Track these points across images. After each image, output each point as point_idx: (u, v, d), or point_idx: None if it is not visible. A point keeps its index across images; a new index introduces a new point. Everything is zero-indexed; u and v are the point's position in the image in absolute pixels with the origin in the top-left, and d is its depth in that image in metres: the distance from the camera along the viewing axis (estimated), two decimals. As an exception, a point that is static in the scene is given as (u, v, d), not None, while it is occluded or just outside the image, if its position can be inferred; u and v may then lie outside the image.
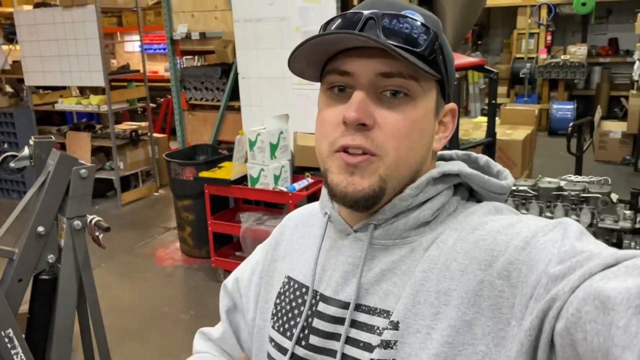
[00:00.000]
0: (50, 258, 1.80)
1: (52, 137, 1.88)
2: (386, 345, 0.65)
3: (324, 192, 0.78)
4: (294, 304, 0.77)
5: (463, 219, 0.69)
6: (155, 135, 6.28)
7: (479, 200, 0.74)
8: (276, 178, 3.55)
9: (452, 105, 0.75)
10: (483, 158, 0.78)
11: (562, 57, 8.28)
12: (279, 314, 0.79)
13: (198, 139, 4.69)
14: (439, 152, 0.78)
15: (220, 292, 0.96)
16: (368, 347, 0.67)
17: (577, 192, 2.63)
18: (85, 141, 5.65)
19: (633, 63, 8.43)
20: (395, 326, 0.65)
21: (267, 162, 3.51)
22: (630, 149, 6.50)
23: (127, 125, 6.27)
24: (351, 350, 0.68)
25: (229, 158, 4.16)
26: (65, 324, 1.83)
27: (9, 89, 6.60)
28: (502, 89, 9.00)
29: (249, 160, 3.61)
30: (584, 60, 8.28)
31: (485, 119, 4.08)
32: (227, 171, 3.78)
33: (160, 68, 8.92)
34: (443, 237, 0.68)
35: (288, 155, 3.66)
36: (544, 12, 8.49)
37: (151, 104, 7.62)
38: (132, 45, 9.67)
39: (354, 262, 0.71)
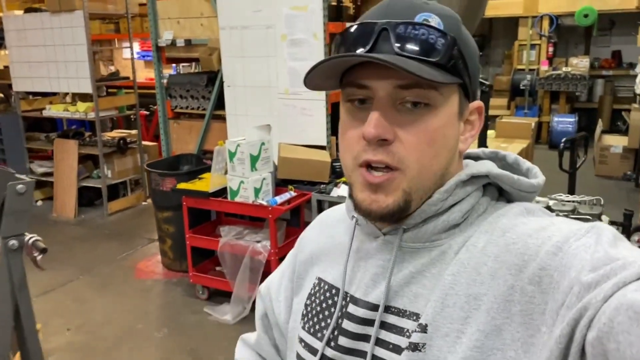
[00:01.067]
0: (-16, 279, 1.67)
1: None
2: (414, 347, 0.64)
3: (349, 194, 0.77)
4: (324, 305, 0.78)
5: (493, 220, 0.68)
6: (146, 143, 6.17)
7: (508, 200, 0.73)
8: (257, 191, 3.42)
9: (477, 103, 0.73)
10: (511, 156, 0.76)
11: (564, 69, 8.13)
12: (310, 315, 0.79)
13: (183, 148, 4.57)
14: (466, 151, 0.77)
15: (256, 299, 0.97)
16: (397, 349, 0.67)
17: (566, 213, 2.48)
18: (73, 149, 5.54)
19: (636, 76, 8.28)
20: (423, 329, 0.64)
21: (247, 174, 3.38)
22: (631, 164, 6.33)
23: (117, 133, 6.15)
24: (380, 352, 0.68)
25: (210, 169, 4.03)
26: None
27: (-1, 94, 6.51)
28: (502, 101, 8.85)
29: (228, 172, 3.47)
30: (586, 72, 8.13)
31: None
32: (207, 183, 3.64)
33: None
34: (473, 240, 0.67)
35: (270, 167, 3.52)
36: (545, 23, 8.35)
37: (145, 111, 7.54)
38: (128, 52, 9.60)
39: (384, 264, 0.72)
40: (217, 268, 3.88)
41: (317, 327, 0.77)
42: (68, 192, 5.55)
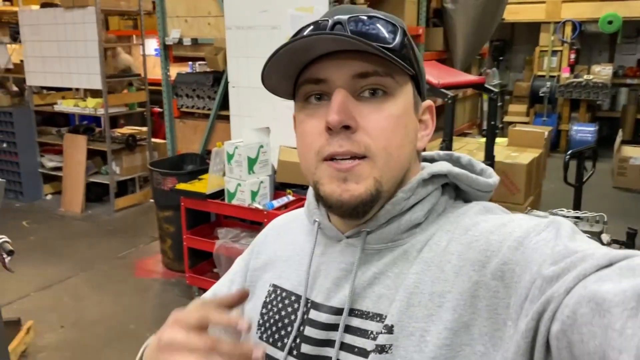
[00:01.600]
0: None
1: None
2: (381, 349, 0.64)
3: (309, 199, 0.78)
4: (282, 312, 0.75)
5: (455, 219, 0.69)
6: (156, 140, 6.17)
7: (465, 200, 0.74)
8: (253, 194, 3.36)
9: (428, 102, 0.75)
10: (465, 157, 0.77)
11: (585, 76, 7.92)
12: (267, 324, 0.76)
13: (188, 148, 4.54)
14: (422, 154, 0.78)
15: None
16: (363, 352, 0.66)
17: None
18: (82, 144, 5.56)
19: (662, 86, 8.03)
20: (389, 330, 0.64)
21: (244, 177, 3.33)
22: (650, 176, 6.13)
23: (127, 130, 6.17)
24: (346, 356, 0.67)
25: (213, 170, 4.00)
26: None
27: (14, 87, 6.58)
28: (521, 107, 8.67)
29: (226, 174, 3.43)
30: (608, 81, 7.90)
31: (497, 139, 3.83)
32: (206, 184, 3.61)
33: (172, 72, 8.83)
34: (436, 239, 0.68)
35: (268, 171, 3.46)
36: (568, 29, 8.14)
37: (159, 109, 7.55)
38: (148, 47, 9.64)
39: (347, 267, 0.71)
40: (215, 270, 3.84)
41: (276, 336, 0.75)
42: (76, 187, 5.58)
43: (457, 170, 0.72)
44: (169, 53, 4.44)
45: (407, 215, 0.69)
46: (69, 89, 6.14)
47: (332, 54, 0.65)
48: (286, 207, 3.38)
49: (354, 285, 0.68)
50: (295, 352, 0.72)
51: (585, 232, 2.28)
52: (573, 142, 7.52)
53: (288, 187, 3.56)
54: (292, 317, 0.74)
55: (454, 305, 0.61)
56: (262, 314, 0.77)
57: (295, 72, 0.69)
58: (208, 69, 6.31)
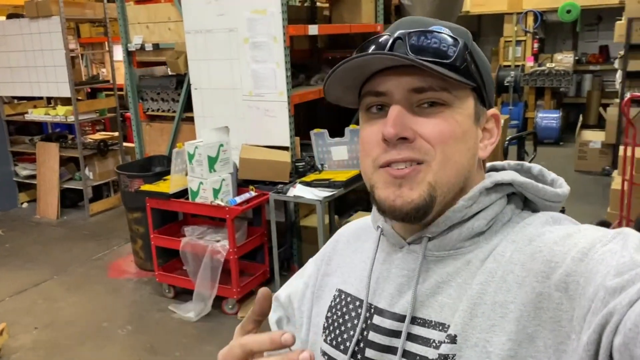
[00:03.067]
0: None
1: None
2: (444, 359, 0.64)
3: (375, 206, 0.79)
4: (346, 317, 0.77)
5: (520, 230, 0.68)
6: (127, 144, 6.27)
7: (534, 210, 0.73)
8: (215, 192, 3.50)
9: (493, 111, 0.74)
10: (536, 167, 0.77)
11: (548, 65, 8.14)
12: (331, 327, 0.78)
13: (156, 150, 4.67)
14: (491, 163, 0.78)
15: (273, 304, 0.88)
16: None
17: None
18: (54, 151, 5.65)
19: (623, 71, 8.27)
20: (452, 340, 0.64)
21: (205, 176, 3.46)
22: (610, 158, 6.35)
23: (99, 135, 6.26)
24: None
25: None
26: None
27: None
28: (489, 97, 8.87)
29: (188, 173, 3.56)
30: (570, 68, 8.13)
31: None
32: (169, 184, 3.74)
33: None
34: (500, 250, 0.67)
35: (230, 168, 3.61)
36: (530, 19, 8.36)
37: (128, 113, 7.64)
38: (117, 54, 9.70)
39: (409, 274, 0.71)
40: (184, 267, 3.98)
41: (339, 339, 0.76)
42: (50, 194, 5.67)
43: (522, 179, 0.71)
44: (132, 59, 4.56)
45: (468, 223, 0.69)
46: (41, 98, 6.22)
47: (391, 67, 0.67)
48: (248, 202, 3.53)
49: (417, 293, 0.69)
50: (359, 356, 0.72)
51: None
52: (539, 129, 7.74)
53: (251, 183, 3.70)
54: (355, 321, 0.75)
55: (517, 316, 0.61)
56: (327, 317, 0.79)
57: (358, 83, 0.71)
58: (171, 73, 6.44)
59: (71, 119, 5.45)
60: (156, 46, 4.35)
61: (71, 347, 3.32)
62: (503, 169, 0.78)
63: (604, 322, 0.50)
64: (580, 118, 6.89)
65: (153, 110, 4.60)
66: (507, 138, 3.42)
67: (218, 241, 3.54)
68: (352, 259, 0.82)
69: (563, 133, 8.09)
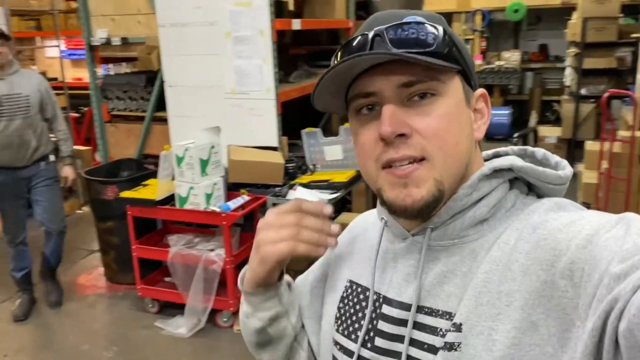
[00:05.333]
0: None
1: None
2: (450, 347, 0.64)
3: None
4: (357, 307, 0.78)
5: (524, 217, 0.68)
6: (78, 147, 5.80)
7: (538, 195, 0.73)
8: (208, 197, 3.25)
9: (481, 90, 0.74)
10: (540, 151, 0.76)
11: (497, 63, 8.36)
12: (343, 317, 0.79)
13: (122, 153, 4.31)
14: (494, 150, 0.78)
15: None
16: (432, 349, 0.67)
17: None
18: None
19: (563, 69, 8.65)
20: (458, 328, 0.64)
21: (197, 180, 3.21)
22: (565, 153, 6.59)
23: (46, 138, 5.75)
24: (416, 352, 0.68)
25: (156, 174, 3.82)
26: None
27: None
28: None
29: (176, 178, 3.29)
30: (517, 65, 8.39)
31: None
32: (153, 190, 3.44)
33: (85, 75, 8.29)
34: (504, 238, 0.67)
35: (221, 172, 3.36)
36: (478, 18, 8.55)
37: (75, 114, 7.11)
38: (54, 50, 9.04)
39: (415, 264, 0.72)
40: (167, 279, 3.69)
41: (350, 329, 0.77)
42: (-6, 203, 5.12)
43: (521, 163, 0.70)
44: (95, 54, 4.19)
45: (470, 211, 0.69)
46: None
47: (376, 65, 0.67)
48: (243, 207, 3.30)
49: (424, 282, 0.70)
50: (369, 345, 0.74)
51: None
52: (491, 126, 7.84)
53: (240, 187, 3.48)
54: (366, 311, 0.76)
55: (522, 304, 0.61)
56: (339, 308, 0.81)
57: (343, 88, 0.71)
58: (124, 70, 6.04)
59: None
60: (124, 40, 4.01)
61: (52, 376, 2.98)
62: (506, 154, 0.78)
63: (608, 309, 0.51)
64: (534, 114, 7.10)
65: (119, 110, 4.25)
66: (515, 135, 3.37)
67: (212, 250, 3.29)
68: (360, 249, 0.84)
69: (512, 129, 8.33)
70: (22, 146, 3.43)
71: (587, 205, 2.66)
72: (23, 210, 3.65)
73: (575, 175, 5.51)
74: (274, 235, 0.73)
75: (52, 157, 3.70)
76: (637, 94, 4.43)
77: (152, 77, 4.09)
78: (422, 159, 0.66)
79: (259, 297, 0.82)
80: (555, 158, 0.75)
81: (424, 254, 0.70)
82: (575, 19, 6.50)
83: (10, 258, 3.70)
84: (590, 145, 4.92)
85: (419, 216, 0.69)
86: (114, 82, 4.24)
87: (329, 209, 0.71)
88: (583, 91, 6.33)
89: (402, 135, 0.66)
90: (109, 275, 4.02)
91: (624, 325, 0.49)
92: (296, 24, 3.93)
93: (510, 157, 0.72)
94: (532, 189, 0.74)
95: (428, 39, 0.66)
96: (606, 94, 4.12)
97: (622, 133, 4.49)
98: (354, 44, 0.69)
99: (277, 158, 3.51)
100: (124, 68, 4.48)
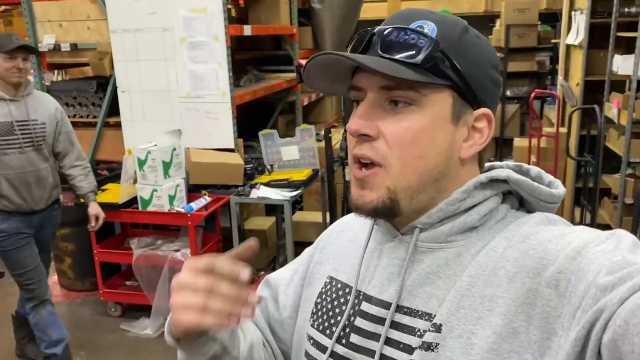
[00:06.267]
0: None
1: None
2: (427, 347, 0.65)
3: None
4: (335, 303, 0.77)
5: (514, 228, 0.69)
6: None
7: (529, 211, 0.73)
8: (171, 198, 3.32)
9: (484, 110, 0.70)
10: (535, 169, 0.76)
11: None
12: (319, 313, 0.79)
13: (72, 160, 4.26)
14: (490, 163, 0.77)
15: (260, 285, 0.94)
16: (408, 349, 0.66)
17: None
18: None
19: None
20: (437, 329, 0.65)
21: (160, 182, 3.27)
22: (493, 150, 7.06)
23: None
24: (390, 351, 0.68)
25: (112, 179, 3.83)
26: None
27: None
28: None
29: (138, 180, 3.33)
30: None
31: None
32: (113, 194, 3.47)
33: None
34: (493, 245, 0.68)
35: (182, 173, 3.44)
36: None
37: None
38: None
39: (399, 263, 0.72)
40: (128, 282, 3.71)
41: (326, 324, 0.77)
42: None
43: (517, 176, 0.70)
44: (42, 60, 4.13)
45: (462, 217, 0.70)
46: None
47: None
48: (206, 208, 3.39)
49: (406, 282, 0.70)
50: (344, 341, 0.73)
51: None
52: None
53: (201, 188, 3.56)
54: (344, 307, 0.76)
55: (504, 310, 0.62)
56: (316, 303, 0.81)
57: (345, 75, 0.73)
58: (58, 78, 5.91)
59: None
60: (74, 46, 3.99)
61: (20, 384, 2.94)
62: (501, 168, 0.77)
63: (594, 319, 0.51)
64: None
65: (69, 116, 4.19)
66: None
67: (177, 250, 3.36)
68: (345, 247, 0.83)
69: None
70: (40, 184, 2.82)
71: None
72: (44, 255, 2.98)
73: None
74: (183, 300, 0.63)
75: (61, 198, 3.13)
76: (558, 93, 4.89)
77: (102, 83, 4.09)
78: (380, 165, 0.67)
79: (190, 347, 0.73)
80: (549, 177, 0.75)
81: (410, 253, 0.70)
82: (499, 26, 6.99)
83: (39, 329, 2.87)
84: (518, 142, 5.35)
85: (372, 216, 0.71)
86: (62, 88, 4.20)
87: (246, 274, 0.63)
88: (508, 93, 6.82)
89: (367, 135, 0.67)
90: (65, 282, 3.97)
91: (608, 337, 0.49)
92: (247, 30, 4.06)
93: (507, 170, 0.72)
94: (523, 205, 0.74)
95: (418, 49, 0.66)
96: (533, 94, 4.52)
97: (546, 129, 4.94)
98: (360, 36, 0.71)
99: (236, 159, 3.63)
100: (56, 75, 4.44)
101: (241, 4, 5.03)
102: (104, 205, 3.36)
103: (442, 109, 0.68)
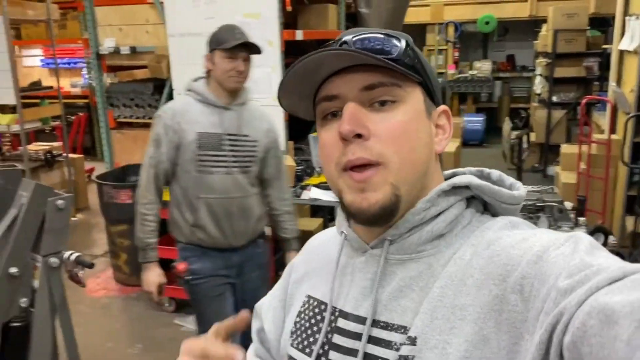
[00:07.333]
0: (23, 302, 1.59)
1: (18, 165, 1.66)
2: None
3: (339, 212, 0.79)
4: (312, 320, 0.78)
5: (479, 234, 0.70)
6: (70, 155, 5.86)
7: (493, 214, 0.75)
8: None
9: (443, 107, 0.76)
10: (496, 173, 0.78)
11: (470, 72, 8.78)
12: (298, 332, 0.79)
13: (128, 159, 4.42)
14: (452, 170, 0.80)
15: (254, 313, 0.96)
16: None
17: (533, 202, 2.76)
18: (-8, 164, 5.13)
19: (528, 78, 9.12)
20: (413, 341, 0.66)
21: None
22: (538, 157, 6.98)
23: (38, 146, 5.78)
24: None
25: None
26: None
27: None
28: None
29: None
30: (489, 74, 8.84)
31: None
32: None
33: (65, 83, 8.35)
34: (460, 253, 0.69)
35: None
36: (450, 29, 8.96)
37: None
38: (31, 59, 8.99)
39: (372, 277, 0.72)
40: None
41: (305, 342, 0.78)
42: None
43: (478, 182, 0.72)
44: (102, 63, 4.30)
45: (428, 226, 0.71)
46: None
47: (341, 71, 0.69)
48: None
49: (381, 296, 0.71)
50: (323, 359, 0.74)
51: (552, 201, 2.68)
52: (466, 132, 8.31)
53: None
54: (321, 324, 0.76)
55: (474, 318, 0.63)
56: (295, 322, 0.81)
57: (311, 91, 0.73)
58: (110, 81, 6.10)
59: (16, 128, 4.99)
60: (133, 49, 4.14)
61: (82, 372, 3.07)
62: (464, 174, 0.79)
63: (554, 322, 0.52)
64: (508, 120, 7.50)
65: (126, 117, 4.36)
66: (514, 137, 3.67)
67: (231, 249, 3.44)
68: (319, 264, 0.84)
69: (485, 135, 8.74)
70: (243, 214, 2.29)
71: (584, 198, 2.95)
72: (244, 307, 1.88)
73: (552, 177, 5.88)
74: None
75: (267, 231, 2.56)
76: (610, 99, 4.82)
77: (158, 85, 4.23)
78: (378, 164, 0.68)
79: None
80: (510, 180, 0.77)
81: (381, 267, 0.72)
82: (545, 31, 6.92)
83: None
84: (566, 148, 5.28)
85: (373, 220, 0.70)
86: (121, 90, 4.36)
87: (240, 357, 0.65)
88: (554, 98, 6.73)
89: (360, 136, 0.67)
90: (120, 277, 4.12)
91: (568, 339, 0.50)
92: (299, 35, 4.14)
93: (468, 176, 0.74)
94: (488, 209, 0.76)
95: (392, 49, 0.69)
96: (585, 100, 4.47)
97: (597, 136, 4.87)
98: (323, 48, 0.71)
99: (289, 161, 3.70)
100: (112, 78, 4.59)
101: (289, 8, 5.14)
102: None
103: (418, 103, 0.71)
